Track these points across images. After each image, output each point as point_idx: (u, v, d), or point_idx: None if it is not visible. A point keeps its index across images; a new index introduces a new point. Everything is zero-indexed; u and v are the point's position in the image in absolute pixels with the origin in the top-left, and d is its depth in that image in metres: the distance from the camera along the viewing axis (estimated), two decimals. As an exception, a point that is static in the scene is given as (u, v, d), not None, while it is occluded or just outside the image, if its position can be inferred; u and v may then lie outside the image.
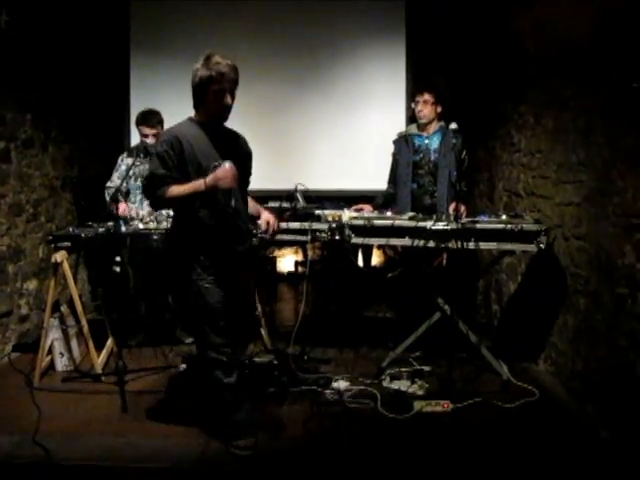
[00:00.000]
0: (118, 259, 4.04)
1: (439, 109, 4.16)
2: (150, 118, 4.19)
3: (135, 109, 4.94)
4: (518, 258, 4.14)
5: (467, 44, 5.02)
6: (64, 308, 3.93)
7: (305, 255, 4.21)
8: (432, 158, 4.15)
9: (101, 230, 3.73)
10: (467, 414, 3.16)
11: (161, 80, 5.26)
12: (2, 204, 4.02)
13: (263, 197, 3.65)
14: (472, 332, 3.60)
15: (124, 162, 4.35)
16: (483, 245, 3.42)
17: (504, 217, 3.60)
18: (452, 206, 3.74)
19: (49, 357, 3.76)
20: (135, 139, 4.82)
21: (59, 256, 3.56)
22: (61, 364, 3.80)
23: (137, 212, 4.15)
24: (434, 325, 3.65)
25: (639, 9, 2.61)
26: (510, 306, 4.37)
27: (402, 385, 3.50)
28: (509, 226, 3.36)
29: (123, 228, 3.72)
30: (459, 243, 3.36)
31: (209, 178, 2.67)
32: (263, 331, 4.12)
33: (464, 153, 3.95)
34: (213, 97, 2.72)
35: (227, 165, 2.69)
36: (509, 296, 4.38)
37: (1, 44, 3.95)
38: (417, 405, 3.17)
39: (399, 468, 2.68)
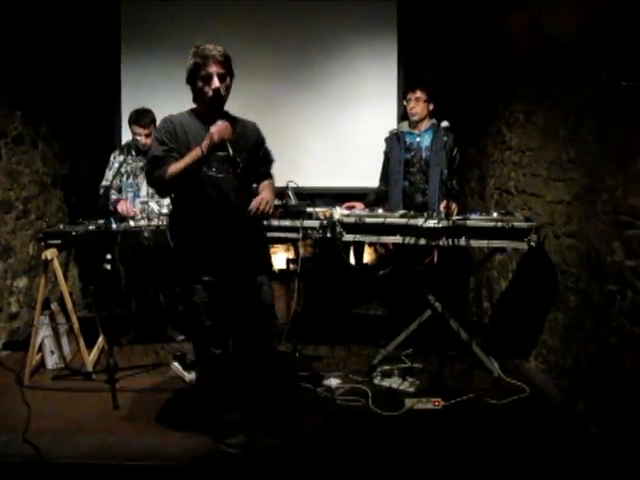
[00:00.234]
0: (109, 256, 4.03)
1: (431, 107, 4.16)
2: (142, 118, 4.17)
3: (126, 106, 4.93)
4: (509, 256, 4.16)
5: (459, 42, 5.03)
6: (54, 306, 3.91)
7: (297, 252, 4.20)
8: (424, 156, 4.16)
9: (92, 227, 3.70)
10: (458, 411, 3.17)
11: (152, 78, 5.22)
12: (-8, 201, 4.01)
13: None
14: (463, 329, 3.61)
15: (117, 160, 4.30)
16: (474, 243, 3.42)
17: (495, 215, 3.61)
18: (443, 204, 3.75)
19: (39, 355, 3.75)
20: (126, 136, 4.80)
21: (49, 253, 3.54)
22: (51, 362, 3.79)
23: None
24: (425, 322, 3.66)
25: (629, 8, 2.62)
26: (501, 303, 4.39)
27: (393, 382, 3.51)
28: (500, 224, 3.36)
29: (114, 225, 3.70)
30: (450, 241, 3.36)
31: (204, 142, 2.63)
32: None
33: (455, 151, 3.95)
34: (202, 83, 2.69)
35: (218, 122, 2.67)
36: (500, 293, 4.39)
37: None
38: (408, 402, 3.18)
39: (390, 465, 2.69)
